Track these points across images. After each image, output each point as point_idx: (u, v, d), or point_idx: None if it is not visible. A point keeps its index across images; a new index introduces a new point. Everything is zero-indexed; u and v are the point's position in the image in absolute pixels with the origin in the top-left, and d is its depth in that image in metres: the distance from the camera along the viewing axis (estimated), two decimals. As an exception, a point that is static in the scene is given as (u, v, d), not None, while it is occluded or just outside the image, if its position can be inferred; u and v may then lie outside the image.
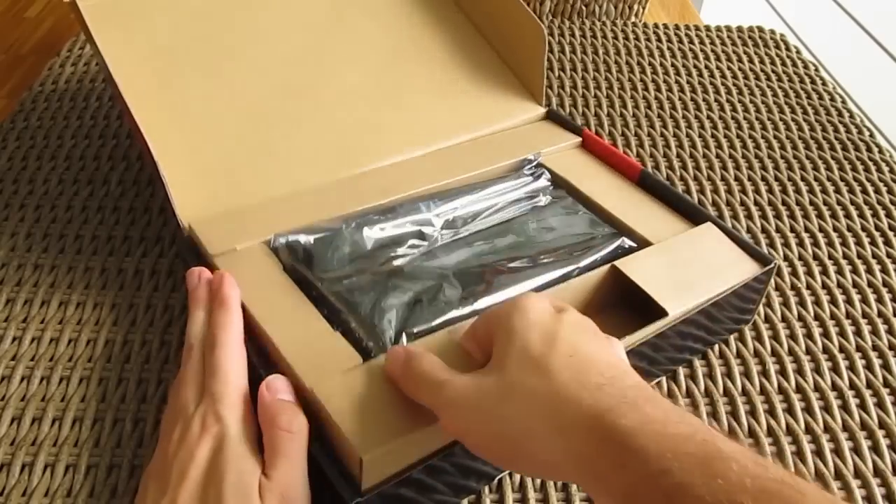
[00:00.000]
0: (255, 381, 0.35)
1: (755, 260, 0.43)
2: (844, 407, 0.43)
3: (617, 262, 0.42)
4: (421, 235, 0.44)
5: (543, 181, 0.50)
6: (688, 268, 0.42)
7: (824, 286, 0.50)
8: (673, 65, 0.72)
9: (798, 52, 0.76)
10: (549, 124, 0.55)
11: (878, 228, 0.55)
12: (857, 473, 0.39)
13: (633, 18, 0.84)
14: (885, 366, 0.45)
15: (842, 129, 0.65)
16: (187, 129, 0.49)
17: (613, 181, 0.50)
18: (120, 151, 0.58)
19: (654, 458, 0.24)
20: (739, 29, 0.79)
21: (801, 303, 0.49)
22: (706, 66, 0.72)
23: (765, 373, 0.44)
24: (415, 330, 0.37)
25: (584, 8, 0.82)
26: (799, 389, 0.44)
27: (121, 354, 0.43)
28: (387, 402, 0.33)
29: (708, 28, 0.79)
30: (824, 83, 0.71)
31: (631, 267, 0.42)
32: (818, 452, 0.40)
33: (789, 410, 0.42)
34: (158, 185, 0.44)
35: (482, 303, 0.40)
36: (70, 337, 0.44)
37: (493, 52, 0.59)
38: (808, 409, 0.42)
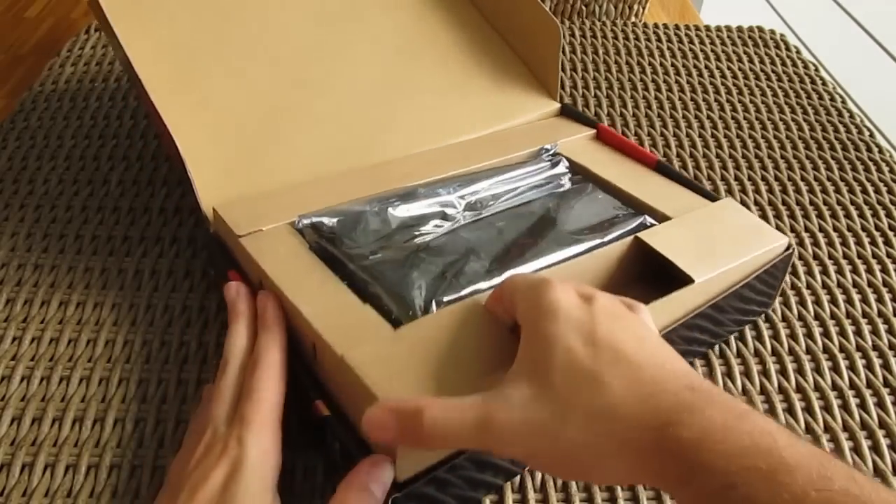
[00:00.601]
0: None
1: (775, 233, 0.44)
2: (845, 407, 0.43)
3: (640, 234, 0.42)
4: (444, 216, 0.45)
5: (562, 167, 0.50)
6: (711, 238, 0.42)
7: (824, 286, 0.50)
8: (673, 65, 0.72)
9: (798, 52, 0.76)
10: (564, 119, 0.56)
11: (878, 228, 0.55)
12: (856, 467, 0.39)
13: (633, 18, 0.84)
14: (886, 366, 0.45)
15: (842, 129, 0.65)
16: (207, 120, 0.49)
17: (631, 167, 0.50)
18: (120, 151, 0.58)
19: (719, 473, 0.24)
20: (739, 29, 0.79)
21: (802, 302, 0.49)
22: (706, 66, 0.72)
23: (765, 372, 0.44)
24: (444, 299, 0.37)
25: (584, 8, 0.82)
26: (799, 389, 0.44)
27: (121, 354, 0.43)
28: (419, 371, 0.33)
29: (708, 28, 0.79)
30: (824, 83, 0.71)
31: (654, 238, 0.41)
32: (818, 452, 0.40)
33: (789, 410, 0.42)
34: (183, 175, 0.44)
35: (508, 274, 0.40)
36: (70, 337, 0.44)
37: (508, 48, 0.59)
38: (809, 409, 0.42)
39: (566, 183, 0.49)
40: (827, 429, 0.42)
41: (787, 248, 0.44)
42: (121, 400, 0.41)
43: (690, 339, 0.42)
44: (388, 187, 0.46)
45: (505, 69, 0.58)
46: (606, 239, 0.42)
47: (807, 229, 0.55)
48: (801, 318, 0.48)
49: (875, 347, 0.46)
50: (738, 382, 0.44)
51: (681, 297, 0.39)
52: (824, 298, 0.49)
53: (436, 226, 0.44)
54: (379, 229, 0.43)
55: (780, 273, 0.45)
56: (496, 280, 0.39)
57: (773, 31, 0.79)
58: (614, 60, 0.72)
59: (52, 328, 0.45)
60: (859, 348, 0.46)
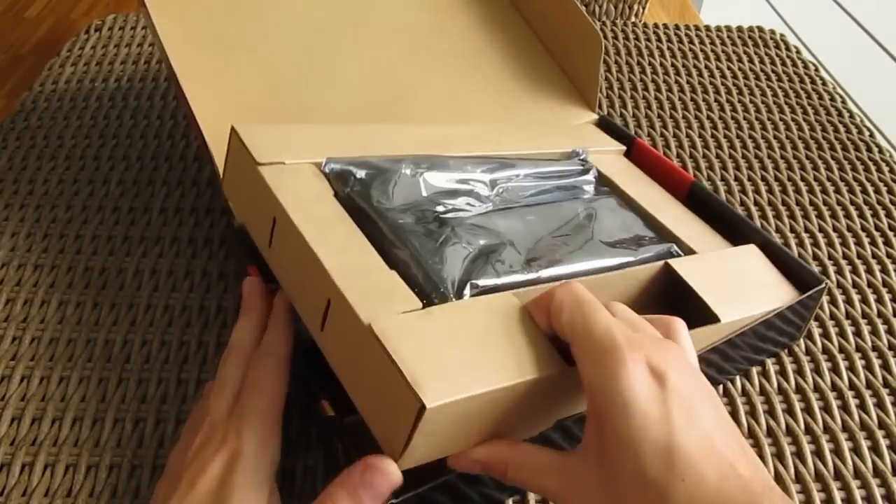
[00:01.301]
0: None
1: (799, 282, 0.43)
2: (844, 407, 0.43)
3: (671, 261, 0.40)
4: (475, 196, 0.42)
5: (591, 176, 0.48)
6: (735, 282, 0.41)
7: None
8: (673, 65, 0.72)
9: (798, 52, 0.76)
10: (599, 128, 0.55)
11: (878, 228, 0.55)
12: (857, 474, 0.39)
13: (633, 18, 0.84)
14: (885, 366, 0.45)
15: (842, 129, 0.65)
16: (230, 95, 0.49)
17: (660, 191, 0.49)
18: (120, 151, 0.58)
19: None
20: (739, 29, 0.79)
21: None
22: (706, 66, 0.72)
23: (764, 373, 0.44)
24: (479, 283, 0.34)
25: (583, 8, 0.82)
26: (798, 390, 0.44)
27: (121, 354, 0.43)
28: (452, 353, 0.30)
29: (708, 28, 0.79)
30: (824, 83, 0.71)
31: (684, 269, 0.40)
32: (818, 453, 0.40)
33: (789, 411, 0.42)
34: (203, 151, 0.45)
35: (547, 272, 0.37)
36: (70, 337, 0.44)
37: (547, 54, 0.58)
38: (808, 410, 0.42)
39: (590, 192, 0.48)
40: (826, 429, 0.42)
41: (817, 288, 0.43)
42: (120, 400, 0.41)
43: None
44: (416, 150, 0.42)
45: (544, 76, 0.57)
46: (637, 258, 0.41)
47: (807, 229, 0.55)
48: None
49: (875, 348, 0.46)
50: (738, 383, 0.44)
51: (703, 333, 0.37)
52: (824, 299, 0.49)
53: (468, 204, 0.41)
54: (410, 193, 0.39)
55: (807, 313, 0.44)
56: (533, 275, 0.36)
57: (773, 31, 0.79)
58: (614, 60, 0.72)
59: (52, 328, 0.45)
60: (859, 349, 0.46)
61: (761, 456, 0.40)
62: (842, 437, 0.41)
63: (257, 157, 0.37)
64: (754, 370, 0.44)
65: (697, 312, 0.38)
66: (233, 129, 0.39)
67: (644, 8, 0.84)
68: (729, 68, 0.72)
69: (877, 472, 0.40)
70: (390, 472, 0.29)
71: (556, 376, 0.31)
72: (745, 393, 0.43)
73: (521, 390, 0.30)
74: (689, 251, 0.43)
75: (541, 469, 0.30)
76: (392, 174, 0.39)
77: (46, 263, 0.49)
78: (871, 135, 0.65)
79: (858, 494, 0.38)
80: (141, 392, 0.41)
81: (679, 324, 0.33)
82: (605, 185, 0.49)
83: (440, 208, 0.39)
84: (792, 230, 0.55)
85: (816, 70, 0.73)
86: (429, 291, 0.33)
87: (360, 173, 0.39)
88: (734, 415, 0.42)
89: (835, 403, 0.43)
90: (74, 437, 0.39)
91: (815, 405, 0.43)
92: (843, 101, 0.69)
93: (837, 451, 0.40)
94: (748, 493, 0.26)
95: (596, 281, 0.37)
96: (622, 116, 0.65)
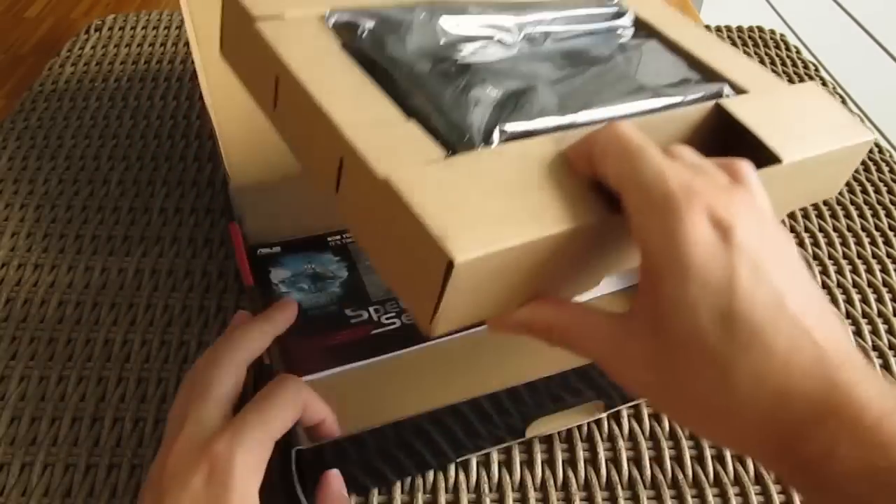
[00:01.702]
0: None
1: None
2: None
3: (721, 101, 0.35)
4: (499, 42, 0.38)
5: (626, 20, 0.44)
6: (797, 120, 0.36)
7: (824, 286, 0.50)
8: (673, 65, 0.72)
9: (798, 52, 0.75)
10: None
11: (878, 228, 0.55)
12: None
13: (632, 18, 0.84)
14: (886, 365, 0.45)
15: (842, 128, 0.65)
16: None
17: (706, 33, 0.43)
18: (120, 151, 0.58)
19: (847, 494, 0.22)
20: (739, 29, 0.79)
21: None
22: (706, 66, 0.72)
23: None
24: (508, 128, 0.31)
25: None
26: (799, 389, 0.44)
27: (120, 354, 0.43)
28: (482, 203, 0.26)
29: (708, 28, 0.79)
30: (824, 83, 0.71)
31: (737, 108, 0.34)
32: (818, 452, 0.40)
33: (789, 410, 0.42)
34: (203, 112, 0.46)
35: (584, 115, 0.33)
36: (69, 337, 0.44)
37: None
38: (808, 409, 0.42)
39: (626, 36, 0.43)
40: (827, 429, 0.41)
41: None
42: (120, 399, 0.41)
43: None
44: None
45: None
46: (686, 99, 0.36)
47: (807, 229, 0.55)
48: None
49: (875, 347, 0.46)
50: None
51: (764, 176, 0.31)
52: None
53: (491, 51, 0.37)
54: (425, 41, 0.35)
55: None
56: (569, 118, 0.32)
57: (773, 31, 0.79)
58: (614, 60, 0.72)
59: (51, 328, 0.45)
60: (859, 348, 0.46)
61: (761, 455, 0.40)
62: (842, 436, 0.41)
63: (253, 11, 0.33)
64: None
65: (755, 156, 0.32)
66: None
67: (644, 8, 0.84)
68: (729, 68, 0.72)
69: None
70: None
71: (602, 226, 0.28)
72: (745, 392, 0.43)
73: (563, 242, 0.27)
74: (741, 92, 0.37)
75: (589, 332, 0.27)
76: (405, 22, 0.36)
77: (46, 263, 0.49)
78: (871, 134, 0.65)
79: (859, 494, 0.38)
80: (140, 391, 0.41)
81: (746, 165, 0.27)
82: (643, 28, 0.44)
83: (461, 54, 0.35)
84: (792, 230, 0.55)
85: (816, 70, 0.73)
86: (452, 140, 0.30)
87: (370, 23, 0.35)
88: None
89: (835, 403, 0.43)
90: (73, 437, 0.39)
91: (816, 405, 0.43)
92: (844, 101, 0.69)
93: (838, 451, 0.40)
94: (823, 366, 0.23)
95: (641, 124, 0.31)
96: (622, 116, 0.65)
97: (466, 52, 0.36)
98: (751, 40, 0.77)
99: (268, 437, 0.30)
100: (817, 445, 0.22)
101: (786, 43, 0.77)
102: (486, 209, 0.26)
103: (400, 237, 0.26)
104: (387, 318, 0.44)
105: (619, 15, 0.44)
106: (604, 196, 0.28)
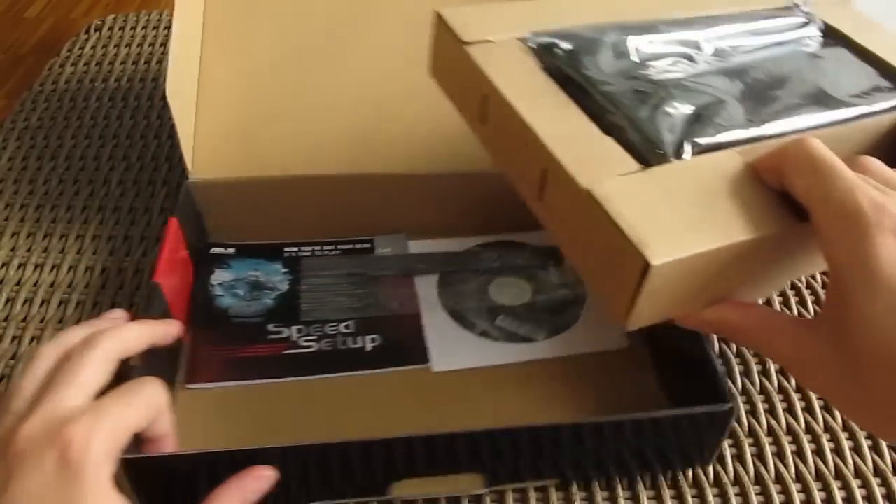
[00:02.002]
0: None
1: None
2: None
3: None
4: (688, 58, 0.40)
5: (814, 29, 0.44)
6: None
7: (825, 285, 0.50)
8: (673, 64, 0.72)
9: (798, 51, 0.75)
10: None
11: (878, 228, 0.55)
12: (858, 473, 0.39)
13: (633, 18, 0.84)
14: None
15: (842, 128, 0.65)
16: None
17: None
18: (120, 151, 0.58)
19: None
20: (739, 28, 0.79)
21: (802, 302, 0.49)
22: (706, 66, 0.72)
23: (765, 372, 0.44)
24: (699, 141, 0.33)
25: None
26: (799, 388, 0.44)
27: (121, 354, 0.43)
28: (679, 212, 0.29)
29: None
30: (824, 83, 0.71)
31: None
32: (818, 452, 0.40)
33: (789, 410, 0.42)
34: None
35: (772, 127, 0.34)
36: (70, 337, 0.44)
37: None
38: (809, 409, 0.42)
39: (814, 46, 0.43)
40: (827, 428, 0.41)
41: None
42: (121, 400, 0.41)
43: None
44: (623, 17, 0.41)
45: None
46: (876, 108, 0.36)
47: None
48: (800, 316, 0.48)
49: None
50: (738, 382, 0.43)
51: None
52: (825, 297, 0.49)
53: (681, 66, 0.39)
54: (617, 60, 0.38)
55: None
56: (756, 131, 0.34)
57: (773, 31, 0.79)
58: (614, 60, 0.72)
59: (51, 327, 0.45)
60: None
61: (761, 455, 0.40)
62: (842, 435, 0.41)
63: (463, 37, 0.38)
64: (755, 369, 0.44)
65: None
66: (437, 14, 0.40)
67: (644, 7, 0.84)
68: (729, 68, 0.72)
69: (877, 472, 0.40)
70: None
71: (787, 235, 0.29)
72: (745, 392, 0.43)
73: (749, 249, 0.29)
74: None
75: (775, 333, 0.29)
76: (599, 42, 0.39)
77: (46, 263, 0.49)
78: (872, 134, 0.65)
79: (859, 494, 0.38)
80: (141, 392, 0.41)
81: None
82: (831, 35, 0.44)
83: (652, 72, 0.38)
84: None
85: (816, 69, 0.73)
86: (646, 153, 0.32)
87: (566, 44, 0.38)
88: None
89: (835, 403, 0.43)
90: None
91: (816, 404, 0.43)
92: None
93: (838, 451, 0.40)
94: None
95: (829, 135, 0.33)
96: (622, 116, 0.65)
97: (657, 70, 0.38)
98: (751, 40, 0.77)
99: (126, 427, 0.30)
100: None
101: (786, 42, 0.77)
102: (678, 217, 0.29)
103: (600, 241, 0.29)
104: (306, 341, 0.43)
105: (806, 24, 0.44)
106: (789, 206, 0.29)
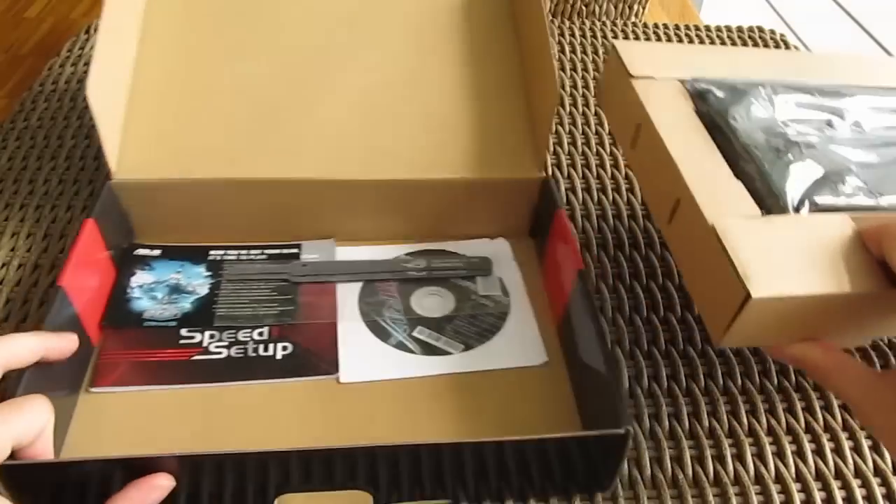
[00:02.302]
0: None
1: None
2: (845, 406, 0.43)
3: None
4: (829, 123, 0.42)
5: None
6: None
7: None
8: (673, 64, 0.72)
9: (798, 52, 0.75)
10: (541, 191, 0.49)
11: None
12: (858, 473, 0.39)
13: (633, 18, 0.84)
14: (886, 365, 0.45)
15: (842, 128, 0.65)
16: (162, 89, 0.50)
17: None
18: (120, 151, 0.58)
19: None
20: (739, 29, 0.79)
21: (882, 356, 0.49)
22: (706, 66, 0.72)
23: (765, 371, 0.44)
24: (819, 201, 0.37)
25: (584, 8, 0.82)
26: (799, 388, 0.44)
27: (121, 354, 0.43)
28: (785, 258, 0.34)
29: (708, 28, 0.79)
30: (824, 83, 0.71)
31: None
32: (818, 451, 0.40)
33: (790, 409, 0.42)
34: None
35: (888, 200, 0.38)
36: (70, 336, 0.44)
37: (522, 93, 0.52)
38: (809, 409, 0.42)
39: None
40: (827, 428, 0.41)
41: None
42: (121, 399, 0.41)
43: None
44: (779, 76, 0.45)
45: (508, 117, 0.51)
46: None
47: None
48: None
49: (875, 347, 0.46)
50: (739, 381, 0.43)
51: None
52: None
53: (821, 131, 0.42)
54: (763, 114, 0.41)
55: None
56: (873, 201, 0.37)
57: (773, 31, 0.79)
58: (614, 60, 0.72)
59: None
60: (858, 347, 0.46)
61: (761, 454, 0.40)
62: (842, 435, 0.41)
63: (631, 71, 0.43)
64: (755, 368, 0.44)
65: None
66: (612, 45, 0.45)
67: (644, 8, 0.84)
68: (729, 68, 0.72)
69: (877, 471, 0.40)
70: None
71: (877, 297, 0.33)
72: (745, 391, 0.43)
73: (841, 302, 0.33)
74: None
75: (848, 377, 0.33)
76: (749, 95, 0.42)
77: (46, 263, 0.49)
78: (872, 134, 0.65)
79: (859, 493, 0.38)
80: (141, 391, 0.41)
81: None
82: None
83: (791, 131, 0.40)
84: None
85: (816, 69, 0.73)
86: (769, 203, 0.36)
87: (720, 93, 0.42)
88: (735, 413, 0.42)
89: (835, 402, 0.43)
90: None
91: (816, 404, 0.43)
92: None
93: (838, 450, 0.40)
94: None
95: None
96: (622, 116, 0.65)
97: (796, 130, 0.41)
98: (751, 40, 0.77)
99: (7, 438, 0.30)
100: None
101: (786, 43, 0.77)
102: (784, 262, 0.33)
103: (713, 269, 0.34)
104: (216, 347, 0.43)
105: None
106: (883, 273, 0.34)
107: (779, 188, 0.37)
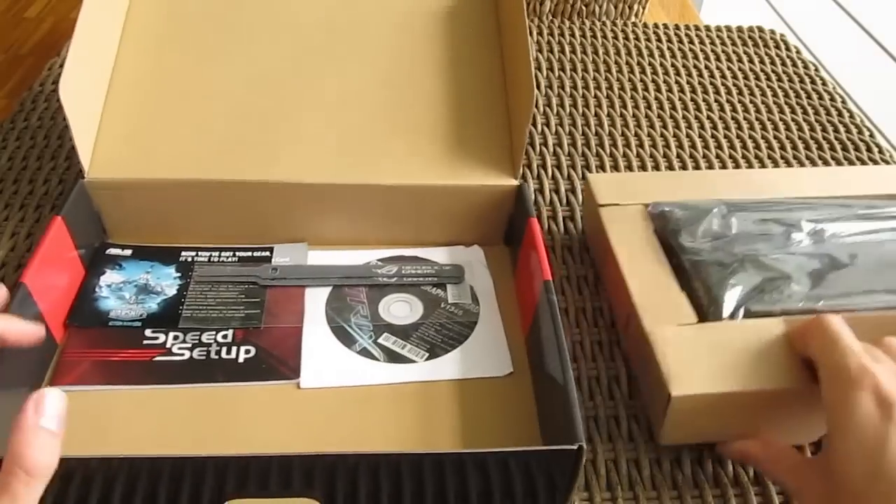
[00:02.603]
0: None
1: None
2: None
3: None
4: (787, 236, 0.45)
5: None
6: None
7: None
8: (673, 65, 0.72)
9: (798, 52, 0.76)
10: (518, 197, 0.48)
11: None
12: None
13: (633, 18, 0.84)
14: (816, 451, 0.45)
15: (842, 129, 0.65)
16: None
17: None
18: (120, 151, 0.58)
19: None
20: (739, 29, 0.79)
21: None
22: (706, 66, 0.72)
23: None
24: (752, 308, 0.40)
25: (584, 8, 0.82)
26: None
27: (121, 354, 0.43)
28: (709, 360, 0.37)
29: (708, 28, 0.79)
30: (824, 83, 0.71)
31: None
32: (818, 453, 0.40)
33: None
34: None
35: (827, 304, 0.40)
36: (70, 337, 0.44)
37: (503, 98, 0.52)
38: (808, 409, 0.42)
39: None
40: (827, 429, 0.41)
41: None
42: (120, 400, 0.41)
43: None
44: (745, 194, 0.48)
45: (486, 123, 0.51)
46: None
47: None
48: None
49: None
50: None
51: None
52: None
53: (772, 243, 0.44)
54: (716, 232, 0.45)
55: None
56: (810, 306, 0.40)
57: (773, 31, 0.79)
58: (614, 60, 0.72)
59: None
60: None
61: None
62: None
63: (599, 200, 0.48)
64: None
65: None
66: (587, 176, 0.50)
67: (644, 8, 0.84)
68: (729, 68, 0.72)
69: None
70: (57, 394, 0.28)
71: (803, 392, 0.36)
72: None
73: (766, 397, 0.36)
74: None
75: (784, 467, 0.35)
76: (706, 215, 0.46)
77: (46, 263, 0.48)
78: (871, 135, 0.65)
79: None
80: (141, 392, 0.41)
81: None
82: None
83: (740, 246, 0.44)
84: (792, 230, 0.55)
85: (816, 70, 0.73)
86: (708, 311, 0.40)
87: (679, 214, 0.46)
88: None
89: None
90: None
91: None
92: (843, 101, 0.69)
93: (837, 451, 0.40)
94: None
95: (881, 319, 0.40)
96: (622, 116, 0.65)
97: (748, 245, 0.44)
98: (751, 40, 0.77)
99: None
100: None
101: (786, 43, 0.77)
102: (709, 364, 0.37)
103: (652, 373, 0.38)
104: (179, 348, 0.42)
105: None
106: (810, 371, 0.36)
107: (717, 298, 0.41)
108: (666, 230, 0.46)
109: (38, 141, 0.59)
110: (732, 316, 0.40)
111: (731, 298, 0.41)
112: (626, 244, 0.45)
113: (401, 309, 0.46)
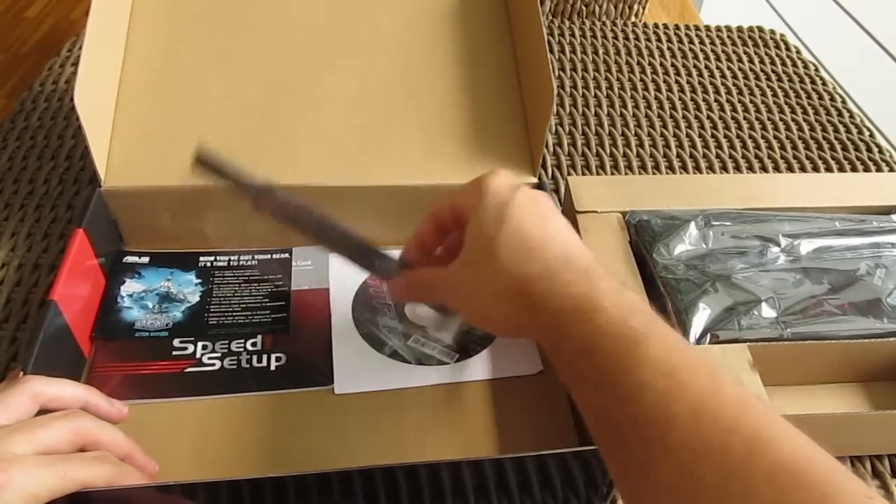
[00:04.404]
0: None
1: None
2: (844, 407, 0.43)
3: None
4: (762, 252, 0.45)
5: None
6: None
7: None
8: (673, 65, 0.72)
9: (798, 52, 0.76)
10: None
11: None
12: (856, 474, 0.39)
13: (633, 18, 0.84)
14: (885, 366, 0.45)
15: (842, 129, 0.65)
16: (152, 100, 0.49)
17: None
18: (120, 151, 0.58)
19: (549, 312, 0.31)
20: (739, 29, 0.79)
21: (801, 303, 0.49)
22: (706, 66, 0.72)
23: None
24: (719, 335, 0.40)
25: (584, 8, 0.82)
26: (799, 389, 0.44)
27: (121, 354, 0.43)
28: None
29: (708, 28, 0.79)
30: (824, 83, 0.71)
31: None
32: (818, 452, 0.40)
33: (789, 410, 0.42)
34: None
35: (795, 330, 0.40)
36: (70, 337, 0.44)
37: (518, 96, 0.52)
38: (808, 410, 0.42)
39: (893, 254, 0.45)
40: (826, 429, 0.42)
41: None
42: (121, 400, 0.41)
43: None
44: (724, 203, 0.48)
45: (501, 122, 0.50)
46: None
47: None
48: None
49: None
50: (738, 383, 0.44)
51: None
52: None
53: (749, 260, 0.44)
54: (692, 246, 0.45)
55: None
56: (778, 332, 0.40)
57: (773, 31, 0.79)
58: (614, 60, 0.72)
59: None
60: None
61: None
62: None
63: (577, 207, 0.47)
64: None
65: None
66: (568, 179, 0.49)
67: (644, 8, 0.84)
68: (729, 68, 0.72)
69: (876, 474, 0.40)
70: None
71: None
72: (745, 393, 0.43)
73: None
74: None
75: (432, 271, 0.37)
76: (683, 227, 0.45)
77: (46, 263, 0.49)
78: (871, 135, 0.65)
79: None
80: (141, 392, 0.41)
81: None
82: None
83: (714, 263, 0.43)
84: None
85: (816, 70, 0.73)
86: (683, 332, 0.40)
87: (656, 223, 0.45)
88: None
89: (835, 403, 0.43)
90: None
91: (815, 405, 0.43)
92: (843, 102, 0.69)
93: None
94: (565, 254, 0.32)
95: (861, 346, 0.40)
96: (622, 116, 0.65)
97: (722, 262, 0.44)
98: (751, 40, 0.77)
99: (66, 480, 0.30)
100: (542, 287, 0.32)
101: (786, 43, 0.77)
102: None
103: None
104: (209, 358, 0.42)
105: (893, 231, 0.46)
106: None
107: (685, 322, 0.40)
108: (642, 241, 0.45)
109: (38, 141, 0.59)
110: (699, 342, 0.40)
111: (699, 322, 0.40)
112: (601, 254, 0.44)
113: (428, 311, 0.45)
